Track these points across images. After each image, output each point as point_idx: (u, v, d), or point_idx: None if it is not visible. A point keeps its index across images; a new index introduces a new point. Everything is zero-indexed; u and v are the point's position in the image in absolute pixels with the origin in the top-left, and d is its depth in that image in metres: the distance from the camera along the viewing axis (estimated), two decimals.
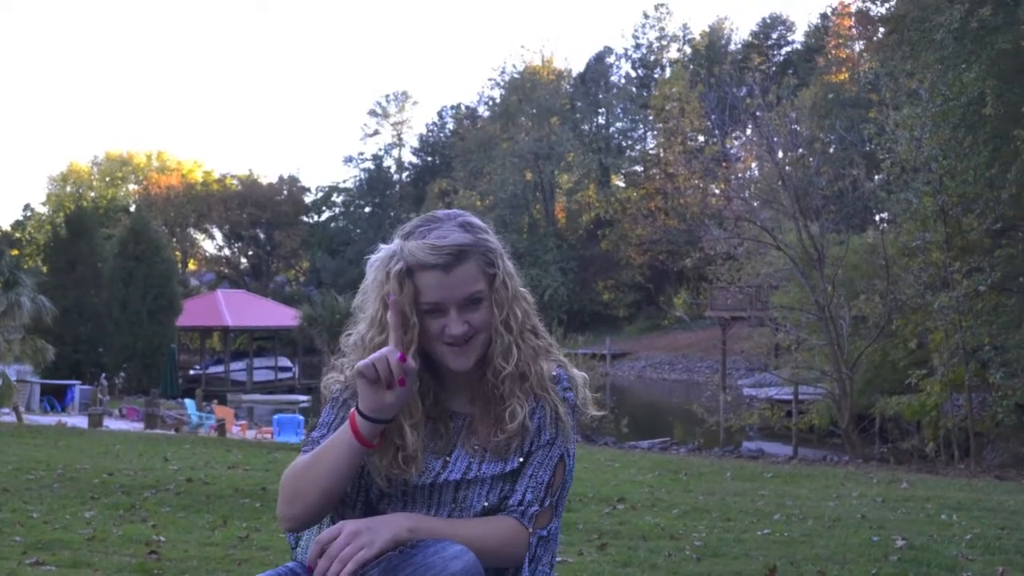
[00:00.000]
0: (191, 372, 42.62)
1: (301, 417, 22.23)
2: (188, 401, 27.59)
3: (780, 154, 21.00)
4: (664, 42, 64.39)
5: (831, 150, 32.08)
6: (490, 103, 66.73)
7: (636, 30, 67.77)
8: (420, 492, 1.84)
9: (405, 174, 71.68)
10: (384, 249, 1.84)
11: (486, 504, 1.83)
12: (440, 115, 72.35)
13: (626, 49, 65.69)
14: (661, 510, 7.48)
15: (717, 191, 33.83)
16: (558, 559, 1.96)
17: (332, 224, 70.88)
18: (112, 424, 22.09)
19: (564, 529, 5.54)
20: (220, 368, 41.95)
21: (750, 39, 62.64)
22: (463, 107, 71.20)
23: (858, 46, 49.54)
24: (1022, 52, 13.99)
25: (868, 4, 39.01)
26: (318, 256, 65.43)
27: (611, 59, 64.64)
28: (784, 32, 62.71)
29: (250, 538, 5.80)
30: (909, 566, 5.16)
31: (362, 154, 70.96)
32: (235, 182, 71.14)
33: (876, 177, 23.51)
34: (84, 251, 35.79)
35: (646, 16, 65.62)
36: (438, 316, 1.79)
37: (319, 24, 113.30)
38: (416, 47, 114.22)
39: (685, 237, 34.08)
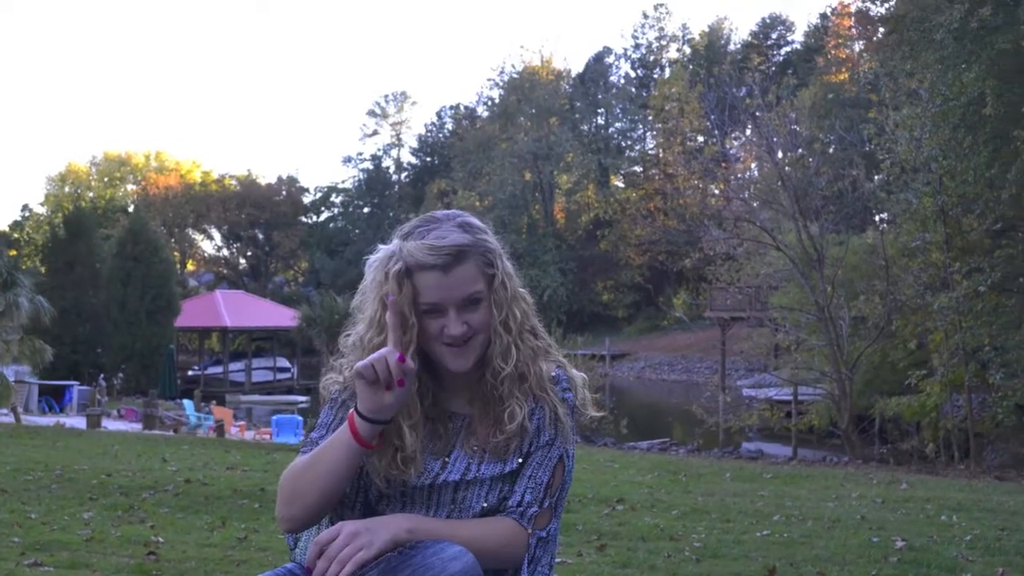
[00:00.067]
0: (190, 373, 42.61)
1: (300, 418, 22.21)
2: (187, 402, 27.59)
3: (780, 154, 21.00)
4: (663, 42, 64.42)
5: (831, 150, 32.06)
6: (489, 103, 66.77)
7: (635, 30, 67.89)
8: (419, 493, 1.83)
9: (404, 174, 71.67)
10: (383, 250, 1.84)
11: (485, 505, 1.83)
12: (439, 115, 72.43)
13: (625, 49, 65.79)
14: (660, 511, 7.47)
15: (716, 191, 33.79)
16: (557, 560, 1.95)
17: (331, 224, 70.89)
18: (110, 425, 22.08)
19: (563, 530, 5.54)
20: (219, 369, 41.94)
21: (750, 39, 62.64)
22: (462, 107, 71.28)
23: (858, 46, 49.56)
24: (1022, 52, 13.98)
25: (868, 4, 39.09)
26: (317, 256, 65.43)
27: (610, 59, 64.69)
28: (784, 32, 62.75)
29: (249, 539, 5.79)
30: (909, 567, 5.15)
31: (361, 154, 71.04)
32: (234, 182, 71.13)
33: (876, 177, 23.52)
34: (82, 251, 35.80)
35: (645, 16, 65.61)
36: (437, 317, 1.79)
37: (318, 24, 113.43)
38: (415, 47, 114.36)
39: (684, 238, 34.05)
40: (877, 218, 25.45)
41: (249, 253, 70.98)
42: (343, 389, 1.88)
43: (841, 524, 6.84)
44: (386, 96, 73.19)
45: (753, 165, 31.47)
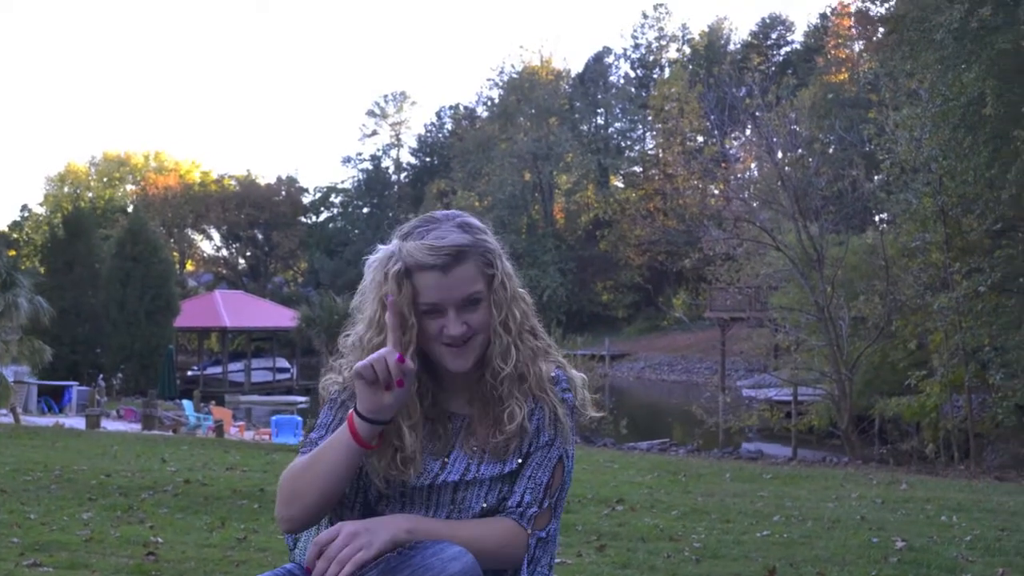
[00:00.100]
0: (189, 373, 42.60)
1: (299, 418, 22.22)
2: (186, 402, 27.57)
3: (779, 154, 20.99)
4: (663, 42, 64.42)
5: (830, 150, 32.03)
6: (489, 103, 66.80)
7: (635, 30, 67.81)
8: (418, 493, 1.83)
9: (403, 175, 71.67)
10: (382, 250, 1.84)
11: (484, 505, 1.82)
12: (438, 115, 72.47)
13: (625, 49, 65.81)
14: (660, 511, 7.46)
15: (716, 192, 33.79)
16: (557, 560, 1.95)
17: (330, 225, 70.90)
18: (110, 425, 22.07)
19: (563, 530, 5.53)
20: (218, 369, 41.91)
21: (749, 39, 62.65)
22: (461, 107, 71.31)
23: (858, 46, 49.57)
24: (1022, 52, 13.98)
25: (868, 4, 39.11)
26: (316, 257, 65.43)
27: (610, 59, 64.72)
28: (783, 32, 62.76)
29: (248, 539, 5.79)
30: (909, 567, 5.15)
31: (360, 155, 71.04)
32: (233, 183, 71.11)
33: (876, 178, 23.52)
34: (82, 252, 35.80)
35: (645, 16, 65.63)
36: (436, 317, 1.78)
37: (318, 24, 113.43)
38: (415, 47, 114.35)
39: (684, 238, 34.02)
40: (877, 218, 25.45)
41: (248, 253, 70.96)
42: (342, 389, 1.88)
43: (841, 524, 6.83)
44: (385, 96, 73.22)
45: (753, 165, 31.45)
